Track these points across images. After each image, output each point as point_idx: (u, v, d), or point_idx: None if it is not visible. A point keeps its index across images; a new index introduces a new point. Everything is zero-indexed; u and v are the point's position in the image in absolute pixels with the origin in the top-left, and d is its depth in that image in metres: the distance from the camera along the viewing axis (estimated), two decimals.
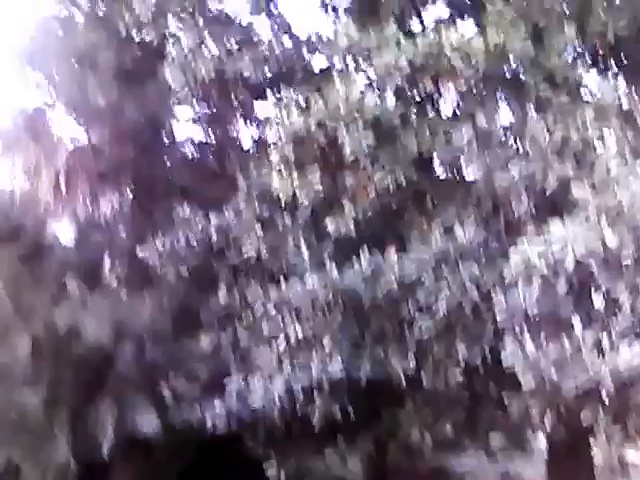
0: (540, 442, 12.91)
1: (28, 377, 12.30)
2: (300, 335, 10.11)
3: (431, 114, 10.77)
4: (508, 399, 8.79)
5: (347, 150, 9.90)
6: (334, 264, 10.01)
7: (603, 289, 7.52)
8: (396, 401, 10.19)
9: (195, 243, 11.85)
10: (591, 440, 7.98)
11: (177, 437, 12.11)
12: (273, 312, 10.60)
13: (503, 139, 9.70)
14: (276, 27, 12.39)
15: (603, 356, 7.32)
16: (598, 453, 7.97)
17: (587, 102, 9.23)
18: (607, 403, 7.46)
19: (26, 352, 12.28)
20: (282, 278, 10.71)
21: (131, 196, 13.72)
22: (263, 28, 12.42)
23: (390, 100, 10.11)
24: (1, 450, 12.75)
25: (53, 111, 13.79)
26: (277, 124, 10.44)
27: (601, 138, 8.72)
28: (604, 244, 7.30)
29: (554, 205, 8.92)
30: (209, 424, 11.02)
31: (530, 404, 8.27)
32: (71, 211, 13.32)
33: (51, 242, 13.45)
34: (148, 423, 11.80)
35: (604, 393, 7.31)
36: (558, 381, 7.48)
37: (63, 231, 13.81)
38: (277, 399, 10.00)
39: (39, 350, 12.31)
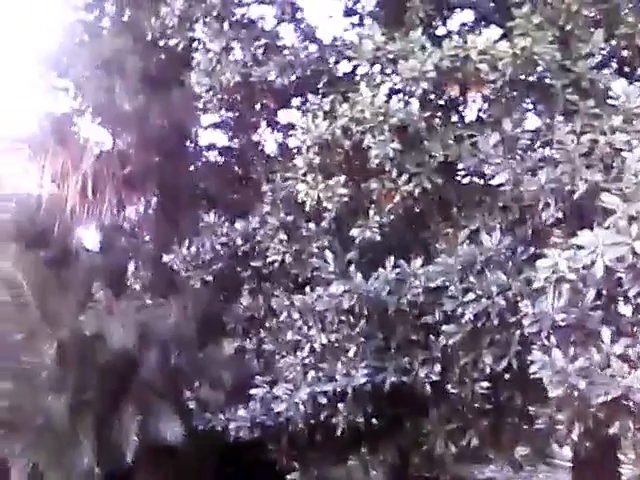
0: (565, 455, 12.69)
1: (54, 383, 12.38)
2: (324, 342, 10.02)
3: (456, 119, 10.65)
4: (534, 410, 8.64)
5: (372, 155, 9.79)
6: (359, 270, 9.89)
7: (632, 297, 7.35)
8: (420, 410, 10.07)
9: (220, 249, 11.84)
10: (619, 453, 7.78)
11: (201, 444, 12.10)
12: (297, 319, 10.53)
13: (530, 144, 9.53)
14: (301, 32, 12.38)
15: (632, 366, 7.15)
16: (626, 466, 7.75)
17: (614, 107, 9.03)
18: (636, 415, 7.29)
19: (52, 358, 12.37)
20: (306, 284, 10.64)
21: (156, 201, 13.78)
22: (288, 33, 12.42)
23: (415, 105, 9.99)
24: (27, 455, 12.85)
25: (79, 116, 13.89)
26: (302, 129, 10.37)
27: (629, 143, 8.54)
28: (633, 251, 7.12)
29: (582, 211, 8.76)
30: (233, 432, 10.98)
31: (557, 415, 8.11)
32: (97, 216, 13.39)
33: (77, 247, 13.56)
34: (172, 430, 11.80)
35: (633, 404, 7.14)
36: (586, 391, 7.30)
37: (89, 236, 13.91)
38: (301, 407, 9.89)
39: (65, 356, 12.38)
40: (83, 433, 12.04)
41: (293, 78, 11.56)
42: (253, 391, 10.79)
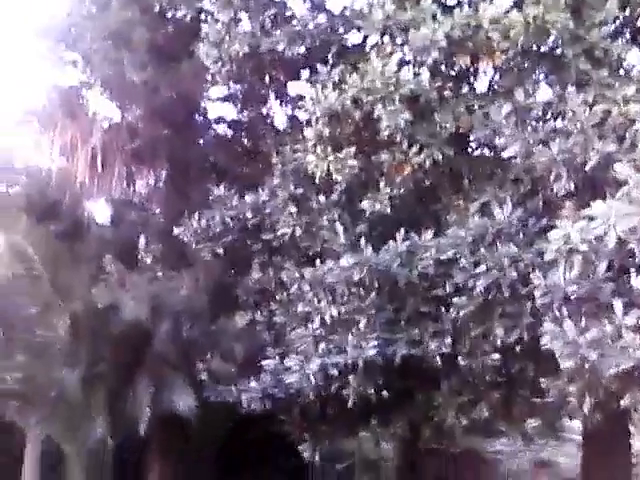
0: (575, 428, 12.68)
1: (67, 355, 12.47)
2: (335, 314, 9.99)
3: (468, 89, 10.54)
4: (545, 383, 8.61)
5: (383, 126, 9.71)
6: (369, 243, 9.85)
7: None
8: (431, 383, 10.07)
9: (230, 222, 11.80)
10: (629, 426, 7.77)
11: (213, 416, 12.19)
12: (308, 291, 10.51)
13: (542, 115, 9.42)
14: (310, 2, 12.23)
15: None
16: (636, 439, 7.74)
17: (628, 76, 8.89)
18: None
19: (65, 330, 12.45)
20: (317, 257, 10.62)
21: (166, 174, 13.75)
22: (296, 3, 12.26)
23: (426, 75, 9.89)
24: (41, 426, 13.01)
25: (88, 89, 13.83)
26: (311, 100, 10.28)
27: None
28: None
29: (595, 182, 8.67)
30: (244, 403, 11.04)
31: (568, 387, 8.09)
32: (107, 189, 13.39)
33: (88, 220, 13.60)
34: (184, 402, 11.89)
35: None
36: (597, 363, 7.27)
37: (100, 209, 13.95)
38: (312, 379, 9.89)
39: (78, 328, 12.46)
40: (96, 405, 12.15)
41: (302, 49, 11.45)
42: (264, 362, 10.82)
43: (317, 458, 11.30)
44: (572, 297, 7.64)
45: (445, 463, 17.11)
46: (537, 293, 7.97)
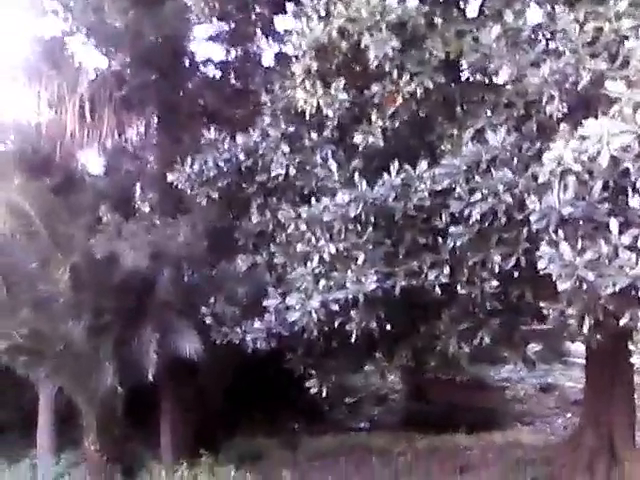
0: (581, 352, 12.71)
1: (71, 308, 12.53)
2: (333, 251, 9.93)
3: (457, 14, 10.28)
4: (545, 307, 8.60)
5: (371, 56, 9.51)
6: (364, 178, 9.74)
7: (639, 187, 7.20)
8: (432, 313, 10.09)
9: (223, 165, 11.67)
10: (630, 344, 7.81)
11: (219, 358, 12.29)
12: (305, 230, 10.44)
13: (532, 36, 9.19)
14: None
15: None
16: (637, 357, 7.77)
17: None
18: None
19: (67, 283, 12.48)
20: (312, 195, 10.52)
21: (156, 120, 13.57)
22: None
23: (413, 0, 9.63)
24: (52, 379, 13.17)
25: (72, 38, 13.58)
26: (297, 34, 10.07)
27: (635, 29, 8.20)
28: (639, 139, 6.93)
29: (588, 102, 8.50)
30: (250, 343, 11.13)
31: (567, 310, 8.08)
32: (98, 140, 13.25)
33: (82, 172, 13.53)
34: (190, 345, 12.00)
35: None
36: (595, 283, 7.24)
37: (93, 160, 13.84)
38: (314, 315, 9.89)
39: (79, 280, 12.48)
40: (104, 354, 12.27)
41: None
42: (267, 302, 10.86)
43: (324, 393, 11.38)
44: (568, 219, 7.56)
45: (452, 392, 17.31)
46: (533, 217, 7.89)
